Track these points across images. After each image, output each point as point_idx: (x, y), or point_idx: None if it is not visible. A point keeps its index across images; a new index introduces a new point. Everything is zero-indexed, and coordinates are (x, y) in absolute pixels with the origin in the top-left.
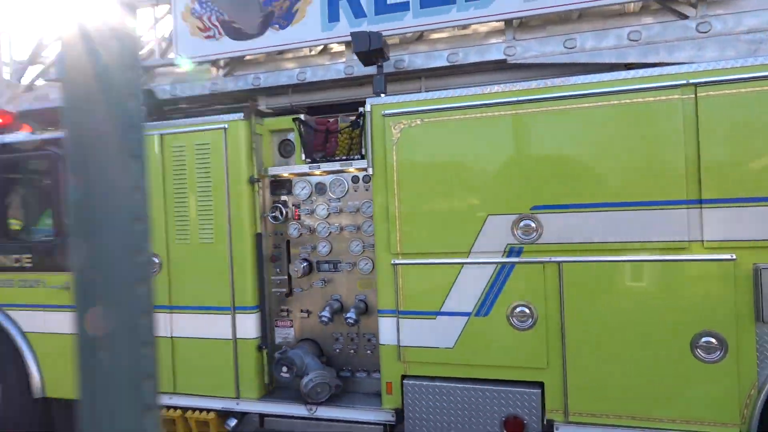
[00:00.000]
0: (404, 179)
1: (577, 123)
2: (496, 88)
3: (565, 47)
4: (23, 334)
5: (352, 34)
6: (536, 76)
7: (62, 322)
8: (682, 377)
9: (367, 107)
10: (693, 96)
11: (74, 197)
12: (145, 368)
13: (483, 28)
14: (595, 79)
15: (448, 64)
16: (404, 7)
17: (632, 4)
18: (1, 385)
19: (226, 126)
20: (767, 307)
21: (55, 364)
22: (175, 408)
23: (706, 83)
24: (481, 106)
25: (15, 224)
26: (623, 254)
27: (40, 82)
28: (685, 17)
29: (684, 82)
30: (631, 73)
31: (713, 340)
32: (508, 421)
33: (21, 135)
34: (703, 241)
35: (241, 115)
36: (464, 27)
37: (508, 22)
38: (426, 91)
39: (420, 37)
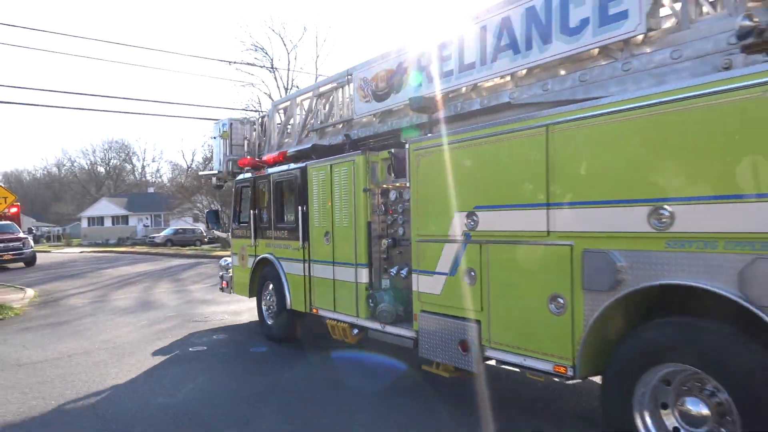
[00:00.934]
0: (419, 190)
1: (492, 154)
2: (449, 130)
3: (542, 90)
4: (285, 273)
5: (409, 99)
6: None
7: (297, 268)
8: (543, 324)
9: (407, 144)
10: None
11: None
12: None
13: (504, 79)
14: (496, 123)
15: (479, 107)
16: (450, 73)
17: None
18: (277, 301)
19: (354, 159)
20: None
21: (295, 290)
22: (333, 319)
23: (556, 123)
24: (447, 144)
25: (286, 214)
26: (519, 239)
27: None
28: (615, 59)
29: (548, 122)
30: (511, 118)
31: (561, 299)
32: (461, 342)
33: (286, 165)
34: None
35: (360, 152)
36: (502, 77)
37: (513, 75)
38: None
39: (474, 87)
